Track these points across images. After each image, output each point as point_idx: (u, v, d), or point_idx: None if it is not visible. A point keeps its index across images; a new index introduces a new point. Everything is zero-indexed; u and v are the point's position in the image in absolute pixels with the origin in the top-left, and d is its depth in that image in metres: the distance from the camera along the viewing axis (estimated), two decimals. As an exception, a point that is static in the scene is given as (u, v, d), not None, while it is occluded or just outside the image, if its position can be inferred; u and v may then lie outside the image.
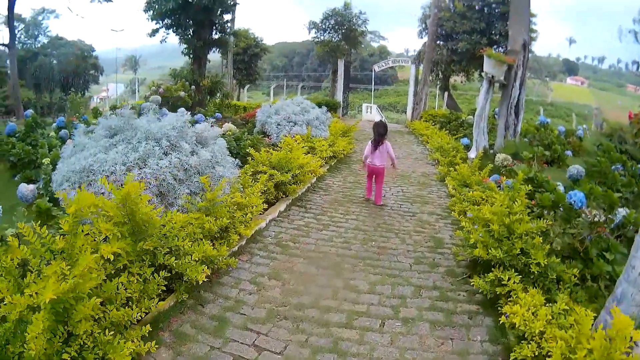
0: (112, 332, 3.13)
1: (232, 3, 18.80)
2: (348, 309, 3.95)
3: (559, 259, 3.94)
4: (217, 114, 13.73)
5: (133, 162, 4.94)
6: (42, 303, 2.73)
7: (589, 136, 15.44)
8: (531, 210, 4.97)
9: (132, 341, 3.18)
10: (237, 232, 5.07)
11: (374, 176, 7.69)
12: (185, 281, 3.89)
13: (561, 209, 4.91)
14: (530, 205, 4.91)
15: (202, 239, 4.31)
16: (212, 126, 6.63)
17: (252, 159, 7.69)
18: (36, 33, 32.04)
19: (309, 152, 9.72)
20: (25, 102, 22.54)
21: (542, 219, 4.37)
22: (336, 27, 25.21)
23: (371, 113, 26.01)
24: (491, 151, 10.70)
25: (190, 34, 17.51)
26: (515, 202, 4.38)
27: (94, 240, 3.53)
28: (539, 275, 3.80)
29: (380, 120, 8.01)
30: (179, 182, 5.09)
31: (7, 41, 19.60)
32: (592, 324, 2.99)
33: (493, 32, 21.81)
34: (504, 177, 6.78)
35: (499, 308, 3.71)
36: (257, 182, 6.47)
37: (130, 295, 3.47)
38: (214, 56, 24.44)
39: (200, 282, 3.82)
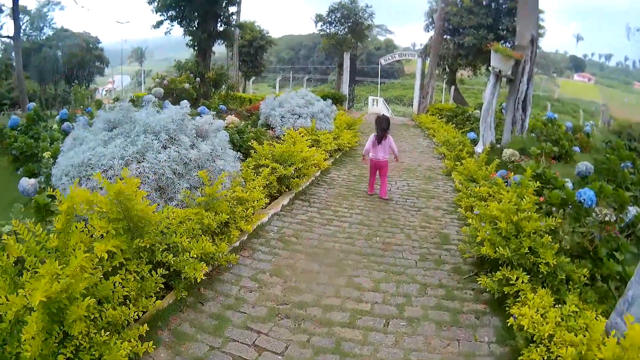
0: (109, 332, 3.05)
1: (237, -5, 18.65)
2: (351, 307, 3.84)
3: (568, 259, 3.81)
4: (221, 106, 13.60)
5: (131, 156, 4.84)
6: (35, 304, 2.64)
7: (597, 133, 15.27)
8: (539, 207, 4.84)
9: (129, 341, 3.09)
10: (237, 227, 4.97)
11: (377, 170, 7.59)
12: (184, 279, 3.79)
13: (570, 207, 4.76)
14: (539, 202, 4.77)
15: (201, 235, 4.21)
16: (214, 119, 6.52)
17: (254, 152, 7.58)
18: (41, 25, 31.95)
19: (313, 145, 9.60)
20: (31, 94, 22.50)
21: (551, 216, 4.23)
22: (342, 20, 25.04)
23: (377, 106, 25.80)
24: (498, 146, 10.53)
25: (195, 25, 17.38)
26: (524, 199, 4.24)
27: (92, 236, 3.45)
28: (547, 275, 3.68)
29: (383, 115, 7.88)
30: (179, 177, 4.98)
31: (12, 33, 19.55)
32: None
33: (500, 28, 21.82)
34: (512, 173, 6.63)
35: (507, 308, 3.59)
36: (260, 175, 6.35)
37: (127, 293, 3.38)
38: (220, 48, 24.35)
39: (199, 280, 3.72)
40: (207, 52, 18.13)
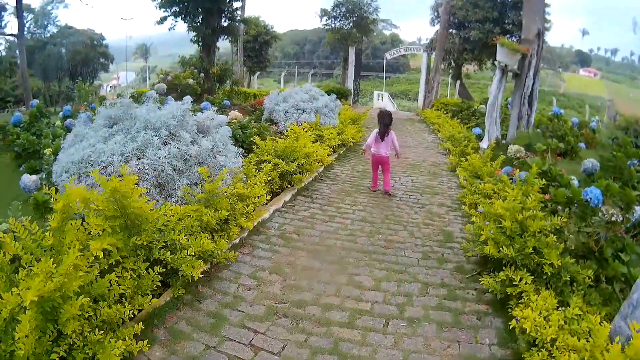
0: (103, 330, 3.01)
1: (241, -10, 18.54)
2: (351, 307, 3.78)
3: (573, 259, 3.72)
4: (225, 101, 13.54)
5: (131, 152, 4.80)
6: (26, 303, 2.61)
7: (602, 128, 15.09)
8: (544, 205, 4.74)
9: (124, 340, 3.05)
10: (237, 224, 4.91)
11: (379, 166, 7.52)
12: (181, 277, 3.74)
13: (576, 205, 4.66)
14: (544, 200, 4.67)
15: (200, 232, 4.16)
16: (216, 114, 6.47)
17: (257, 148, 7.51)
18: (45, 23, 32.03)
19: (316, 141, 9.52)
20: (35, 91, 22.60)
21: (556, 215, 4.14)
22: (347, 14, 24.86)
23: (382, 101, 25.67)
24: (503, 141, 10.41)
25: (198, 21, 17.28)
26: (529, 197, 4.15)
27: (89, 233, 3.41)
28: (552, 276, 3.59)
29: (385, 110, 7.79)
30: (179, 173, 4.94)
31: (16, 32, 19.59)
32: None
33: (506, 22, 21.73)
34: (517, 170, 6.52)
35: (509, 310, 3.51)
36: (261, 171, 6.29)
37: (123, 291, 3.34)
38: (225, 43, 24.24)
39: (196, 279, 3.67)
40: (211, 48, 18.04)
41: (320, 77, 56.64)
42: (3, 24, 25.64)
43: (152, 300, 3.47)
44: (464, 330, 3.49)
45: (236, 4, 19.07)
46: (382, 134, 7.33)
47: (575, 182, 5.92)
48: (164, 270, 3.63)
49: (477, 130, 11.78)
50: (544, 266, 3.59)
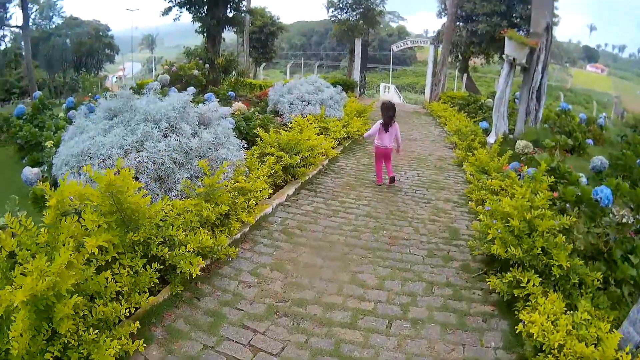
0: (98, 330, 2.94)
1: (246, -20, 18.33)
2: (353, 306, 3.68)
3: (582, 261, 3.60)
4: (230, 92, 13.42)
5: (131, 145, 4.71)
6: (17, 303, 2.53)
7: (610, 125, 14.88)
8: (553, 203, 4.61)
9: (120, 339, 2.98)
10: (238, 219, 4.82)
11: (382, 158, 7.43)
12: (180, 273, 3.66)
13: (585, 205, 4.53)
14: (552, 197, 4.54)
15: (199, 228, 4.07)
16: (220, 105, 6.36)
17: (260, 140, 7.40)
18: (50, 14, 31.95)
19: (321, 133, 9.39)
20: (40, 83, 22.59)
21: (565, 214, 4.01)
22: (354, 6, 24.61)
23: (389, 93, 25.43)
24: (511, 136, 10.24)
25: (203, 12, 17.11)
26: (537, 195, 4.02)
27: (86, 229, 3.32)
28: (560, 278, 3.47)
29: (389, 101, 7.66)
30: (179, 166, 4.84)
31: (21, 23, 19.55)
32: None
33: (514, 15, 21.66)
34: (525, 167, 6.38)
35: (516, 312, 3.40)
36: (264, 164, 6.18)
37: (120, 289, 3.26)
38: (231, 34, 24.07)
39: (194, 276, 3.58)
40: (216, 39, 17.87)
41: (326, 68, 56.27)
42: (8, 15, 25.60)
43: (149, 298, 3.40)
44: (469, 333, 3.38)
45: (242, -5, 18.89)
46: (387, 125, 7.22)
47: (583, 179, 5.79)
48: (162, 267, 3.55)
49: (484, 124, 11.60)
50: (552, 267, 3.47)
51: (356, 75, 22.55)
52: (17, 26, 21.82)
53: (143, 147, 4.71)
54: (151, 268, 3.45)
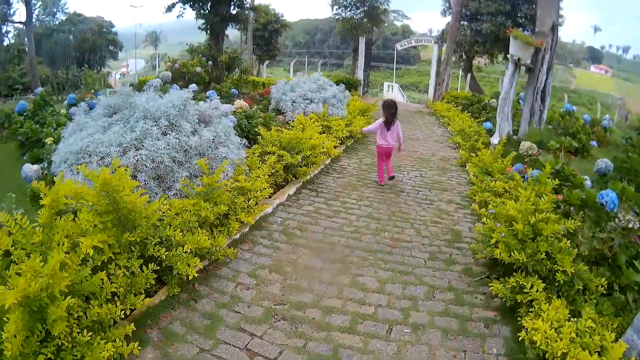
0: (93, 331, 2.89)
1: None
2: (353, 310, 3.61)
3: (587, 267, 3.52)
4: (232, 90, 13.34)
5: (129, 143, 4.65)
6: (7, 305, 2.48)
7: (614, 127, 14.77)
8: (557, 206, 4.52)
9: (114, 341, 2.93)
10: (238, 219, 4.75)
11: (384, 158, 7.38)
12: (177, 274, 3.59)
13: (590, 209, 4.44)
14: (557, 200, 4.46)
15: (197, 228, 4.00)
16: (221, 103, 6.30)
17: (262, 139, 7.33)
18: (54, 10, 31.96)
19: (324, 132, 9.32)
20: (43, 79, 22.58)
21: (569, 218, 3.93)
22: (358, 4, 24.52)
23: (392, 92, 25.31)
24: (515, 137, 10.13)
25: (207, 8, 17.04)
26: (542, 198, 3.94)
27: (83, 228, 3.27)
28: (564, 284, 3.40)
29: (391, 100, 7.60)
30: (178, 165, 4.78)
31: (24, 19, 19.50)
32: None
33: (518, 15, 21.62)
34: (529, 169, 6.29)
35: (519, 318, 3.32)
36: (265, 163, 6.11)
37: (115, 290, 3.20)
38: (234, 32, 24.01)
39: (191, 277, 3.52)
40: (219, 36, 17.79)
41: (330, 67, 56.16)
42: (12, 11, 25.61)
43: (146, 299, 3.34)
44: (470, 339, 3.31)
45: (245, -8, 18.81)
46: (389, 124, 7.16)
47: (588, 182, 5.70)
48: (159, 267, 3.49)
49: (488, 124, 11.50)
50: (556, 273, 3.40)
51: (360, 74, 22.46)
52: (20, 22, 21.80)
53: (142, 145, 4.65)
54: (147, 269, 3.40)
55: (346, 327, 3.39)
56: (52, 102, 10.44)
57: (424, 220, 5.82)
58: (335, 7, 25.36)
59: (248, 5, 19.69)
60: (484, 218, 4.65)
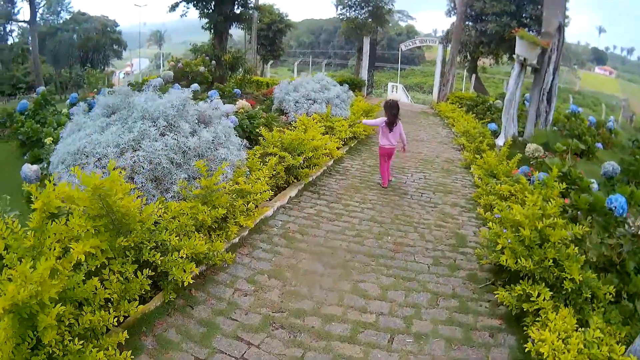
0: (85, 339, 2.80)
1: (254, -24, 18.14)
2: (354, 318, 3.50)
3: (595, 274, 3.40)
4: (235, 89, 13.25)
5: (127, 143, 4.56)
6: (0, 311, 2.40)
7: (618, 128, 14.64)
8: (564, 210, 4.40)
9: (107, 349, 2.84)
10: (236, 222, 4.65)
11: (387, 159, 7.29)
12: (172, 280, 3.49)
13: (597, 214, 4.32)
14: (563, 204, 4.34)
15: (194, 232, 3.90)
16: (223, 103, 6.20)
17: (263, 139, 7.22)
18: (58, 9, 31.99)
19: (327, 133, 9.20)
20: (47, 78, 22.60)
21: (577, 223, 3.81)
22: (363, 3, 24.37)
23: (397, 92, 25.16)
24: (520, 139, 9.98)
25: (210, 7, 16.94)
26: (549, 203, 3.81)
27: (74, 233, 3.18)
28: (572, 292, 3.28)
29: (392, 100, 7.51)
30: (176, 166, 4.68)
31: (28, 18, 19.51)
32: None
33: (524, 15, 21.44)
34: (536, 172, 6.15)
35: (525, 327, 3.21)
36: (266, 165, 6.00)
37: (109, 296, 3.11)
38: (239, 31, 23.92)
39: (186, 284, 3.41)
40: (223, 35, 17.69)
41: (334, 67, 56.01)
42: (16, 10, 25.64)
43: (139, 306, 3.24)
44: (474, 349, 3.20)
45: (249, -9, 18.70)
46: (391, 124, 7.07)
47: (594, 185, 5.58)
48: (153, 273, 3.39)
49: (493, 126, 11.36)
50: (564, 281, 3.28)
51: (364, 74, 22.33)
52: (24, 21, 21.87)
53: (139, 146, 4.56)
54: (142, 274, 3.30)
55: (346, 336, 3.28)
56: (54, 101, 10.41)
57: (428, 224, 5.71)
58: (339, 7, 25.21)
59: (252, 5, 19.58)
60: (490, 223, 4.53)
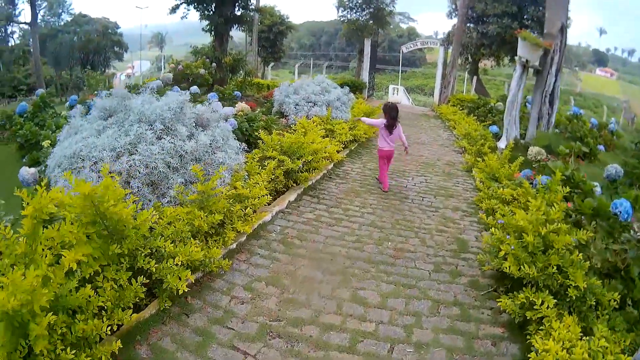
0: (78, 348, 2.73)
1: (254, -22, 18.10)
2: (353, 327, 3.42)
3: (599, 281, 3.33)
4: (236, 92, 13.19)
5: (123, 147, 4.49)
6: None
7: (620, 130, 14.57)
8: (567, 215, 4.32)
9: (100, 359, 2.77)
10: (234, 228, 4.57)
11: (386, 162, 7.24)
12: (167, 288, 3.42)
13: (601, 218, 4.24)
14: (567, 209, 4.26)
15: (190, 238, 3.83)
16: (222, 106, 6.13)
17: (262, 143, 7.14)
18: (59, 11, 32.01)
19: (327, 135, 9.12)
20: (47, 80, 22.58)
21: (581, 228, 3.73)
22: (364, 5, 24.36)
23: (398, 95, 25.10)
24: (522, 141, 9.89)
25: (211, 9, 16.90)
26: (553, 207, 3.74)
27: (66, 240, 3.11)
28: (576, 300, 3.20)
29: (392, 102, 7.49)
30: (173, 170, 4.61)
31: (29, 20, 19.49)
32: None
33: (525, 17, 21.43)
34: (538, 175, 6.08)
35: (528, 336, 3.13)
36: (265, 169, 5.92)
37: (103, 304, 3.04)
38: (239, 33, 23.87)
39: (181, 292, 3.34)
40: (224, 37, 17.64)
41: (335, 69, 56.02)
42: (17, 12, 25.63)
43: (133, 315, 3.17)
44: (476, 358, 3.12)
45: (250, -7, 18.65)
46: (391, 127, 7.03)
47: (597, 189, 5.49)
48: (148, 281, 3.32)
49: (494, 128, 11.29)
50: (568, 288, 3.20)
51: (365, 76, 22.26)
52: (25, 23, 21.85)
53: (136, 150, 4.49)
54: (137, 282, 3.23)
55: (345, 346, 3.20)
56: (55, 103, 10.35)
57: (429, 229, 5.63)
58: (340, 9, 25.23)
59: (253, 7, 19.54)
60: (493, 228, 4.44)
